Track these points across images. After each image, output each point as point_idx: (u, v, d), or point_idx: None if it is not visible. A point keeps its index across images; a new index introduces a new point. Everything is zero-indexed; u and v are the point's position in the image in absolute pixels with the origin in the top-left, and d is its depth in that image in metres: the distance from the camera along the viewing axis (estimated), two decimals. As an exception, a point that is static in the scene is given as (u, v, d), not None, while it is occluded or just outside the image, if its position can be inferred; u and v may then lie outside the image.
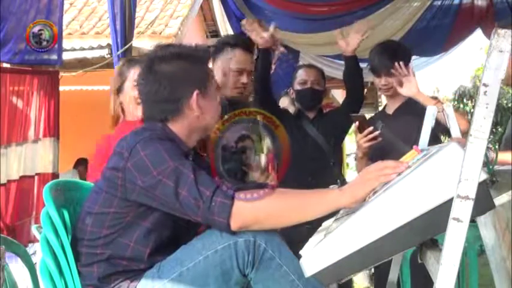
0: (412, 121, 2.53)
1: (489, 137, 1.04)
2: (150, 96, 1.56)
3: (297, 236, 1.66)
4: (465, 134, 1.91)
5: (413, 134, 2.56)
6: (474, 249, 1.99)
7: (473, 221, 1.25)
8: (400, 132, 2.57)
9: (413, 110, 2.40)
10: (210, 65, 1.67)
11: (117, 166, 1.45)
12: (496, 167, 1.44)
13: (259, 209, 1.36)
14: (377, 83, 2.67)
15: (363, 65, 2.97)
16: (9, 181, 3.66)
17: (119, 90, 2.22)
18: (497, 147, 1.49)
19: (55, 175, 3.85)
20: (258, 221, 1.36)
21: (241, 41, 2.55)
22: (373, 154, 2.72)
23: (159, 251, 1.47)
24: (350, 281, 3.31)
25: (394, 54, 2.62)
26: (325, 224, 1.59)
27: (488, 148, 1.12)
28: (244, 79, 2.44)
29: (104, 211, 1.47)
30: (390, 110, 2.73)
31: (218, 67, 2.46)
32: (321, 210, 1.35)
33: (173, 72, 1.55)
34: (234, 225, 1.34)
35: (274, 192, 1.41)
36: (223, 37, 3.32)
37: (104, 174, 1.50)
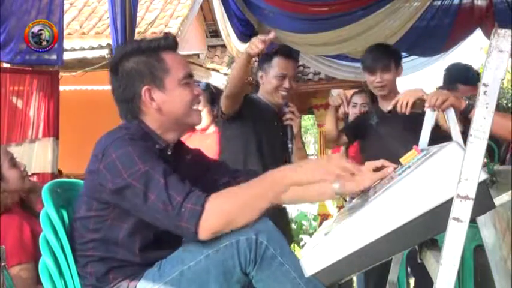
0: (410, 120, 2.56)
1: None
2: (115, 96, 1.58)
3: None
4: None
5: (411, 133, 2.59)
6: (469, 250, 1.99)
7: (473, 221, 1.26)
8: (398, 130, 2.61)
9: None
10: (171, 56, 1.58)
11: (92, 168, 1.44)
12: (496, 167, 1.45)
13: (229, 213, 1.35)
14: (371, 80, 2.66)
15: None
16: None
17: None
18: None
19: (54, 175, 3.85)
20: (229, 224, 1.35)
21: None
22: (368, 150, 2.75)
23: (150, 247, 1.46)
24: (350, 281, 3.31)
25: (389, 52, 2.67)
26: (325, 223, 1.59)
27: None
28: (286, 84, 2.55)
29: (86, 215, 1.47)
30: (386, 108, 2.72)
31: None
32: (279, 189, 1.38)
33: (126, 70, 1.54)
34: (203, 233, 1.33)
35: (237, 191, 1.40)
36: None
37: (84, 178, 1.50)
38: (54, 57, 3.89)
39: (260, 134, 2.56)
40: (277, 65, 2.55)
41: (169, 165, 1.53)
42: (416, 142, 2.59)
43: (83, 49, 6.05)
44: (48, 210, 1.49)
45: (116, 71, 1.55)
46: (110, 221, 1.45)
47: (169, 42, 1.58)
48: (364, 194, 1.62)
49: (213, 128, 3.30)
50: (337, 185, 1.65)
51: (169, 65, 1.54)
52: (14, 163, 2.28)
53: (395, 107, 2.60)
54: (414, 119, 2.55)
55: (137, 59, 1.54)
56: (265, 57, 2.62)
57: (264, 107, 2.61)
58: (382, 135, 2.66)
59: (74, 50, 6.11)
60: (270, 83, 2.56)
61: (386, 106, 2.71)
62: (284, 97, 2.56)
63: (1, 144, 3.53)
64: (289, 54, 2.62)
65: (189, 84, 1.57)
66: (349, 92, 3.99)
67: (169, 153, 1.55)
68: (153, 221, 1.38)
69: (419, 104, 2.20)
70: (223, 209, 1.35)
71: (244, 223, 1.36)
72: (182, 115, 1.55)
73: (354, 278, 3.20)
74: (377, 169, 1.62)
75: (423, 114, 2.32)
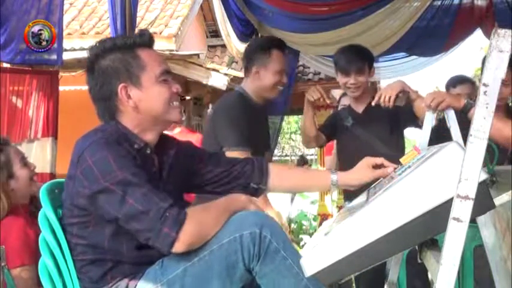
0: (384, 119, 2.61)
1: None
2: (92, 95, 1.56)
3: None
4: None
5: (386, 132, 2.63)
6: (469, 250, 1.99)
7: (473, 221, 1.25)
8: (373, 130, 2.63)
9: (382, 108, 2.42)
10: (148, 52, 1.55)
11: (70, 174, 1.44)
12: (496, 167, 1.45)
13: (204, 230, 1.37)
14: (344, 82, 2.65)
15: None
16: (9, 181, 3.65)
17: None
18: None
19: (53, 175, 3.85)
20: (203, 238, 1.37)
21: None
22: (346, 151, 2.77)
23: (138, 247, 1.44)
24: (350, 281, 3.32)
25: (362, 54, 2.67)
26: (325, 223, 1.59)
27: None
28: (284, 79, 2.51)
29: (70, 221, 1.46)
30: (359, 109, 2.75)
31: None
32: (228, 215, 1.42)
33: (102, 68, 1.51)
34: (180, 243, 1.33)
35: (208, 209, 1.43)
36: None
37: (65, 182, 1.49)
38: (54, 57, 3.88)
39: (255, 135, 2.47)
40: (277, 59, 2.46)
41: (151, 163, 1.53)
42: (392, 141, 2.65)
43: (83, 49, 6.04)
44: (46, 211, 1.49)
45: (92, 70, 1.53)
46: (92, 228, 1.44)
47: (144, 39, 1.56)
48: (364, 193, 1.62)
49: (178, 129, 3.25)
50: (335, 176, 1.66)
51: (145, 61, 1.52)
52: (25, 162, 2.29)
53: (369, 107, 2.65)
54: (388, 118, 2.59)
55: (113, 57, 1.51)
56: (261, 50, 2.49)
57: (256, 106, 2.53)
58: (357, 135, 2.68)
59: (74, 50, 6.12)
60: (270, 79, 2.45)
61: (359, 107, 2.75)
62: (280, 92, 2.54)
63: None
64: (284, 47, 2.56)
65: (167, 81, 1.55)
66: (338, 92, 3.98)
67: (149, 151, 1.53)
68: (127, 225, 1.37)
69: (401, 97, 2.22)
70: (201, 226, 1.37)
71: (210, 237, 1.38)
72: (161, 112, 1.53)
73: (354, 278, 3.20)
74: (377, 166, 1.62)
75: (402, 108, 2.36)
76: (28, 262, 2.04)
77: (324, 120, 2.98)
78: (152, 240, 1.34)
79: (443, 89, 3.15)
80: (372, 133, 2.64)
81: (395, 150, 2.58)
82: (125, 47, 1.52)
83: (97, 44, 1.55)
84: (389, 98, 2.20)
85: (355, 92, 2.66)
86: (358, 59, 2.62)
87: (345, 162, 2.72)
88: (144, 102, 1.51)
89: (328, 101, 2.51)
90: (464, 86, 3.19)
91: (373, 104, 2.33)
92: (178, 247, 1.33)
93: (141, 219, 1.34)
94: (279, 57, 2.46)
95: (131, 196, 1.34)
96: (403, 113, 2.49)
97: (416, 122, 2.42)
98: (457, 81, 3.27)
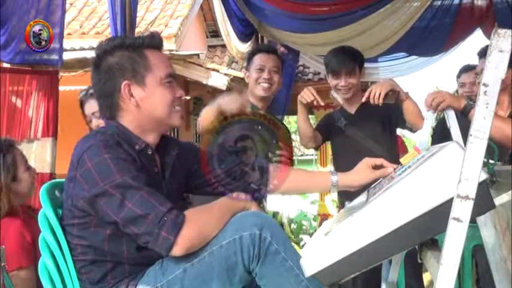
0: (376, 119, 2.65)
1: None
2: (95, 91, 1.57)
3: None
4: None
5: (378, 132, 2.65)
6: (468, 249, 2.00)
7: (473, 221, 1.26)
8: (365, 130, 2.67)
9: (374, 109, 2.40)
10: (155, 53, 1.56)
11: (70, 176, 1.44)
12: (496, 167, 1.44)
13: (204, 232, 1.38)
14: (335, 84, 2.67)
15: (369, 64, 2.96)
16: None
17: None
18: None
19: (53, 175, 3.84)
20: (203, 240, 1.38)
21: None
22: (340, 151, 2.78)
23: (139, 248, 1.44)
24: (350, 281, 3.32)
25: (353, 56, 2.68)
26: (325, 223, 1.59)
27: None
28: (265, 75, 2.59)
29: (70, 222, 1.47)
30: (352, 110, 2.76)
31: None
32: (229, 216, 1.43)
33: (109, 65, 1.52)
34: (179, 247, 1.33)
35: (207, 212, 1.43)
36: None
37: (65, 183, 1.50)
38: (54, 57, 3.87)
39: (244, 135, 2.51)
40: (257, 59, 2.63)
41: (153, 164, 1.54)
42: (384, 140, 2.66)
43: (83, 49, 6.06)
44: (46, 211, 1.49)
45: (99, 66, 1.54)
46: (93, 228, 1.44)
47: (154, 41, 1.57)
48: (364, 193, 1.62)
49: None
50: (336, 177, 1.67)
51: (152, 62, 1.53)
52: (27, 166, 2.30)
53: (361, 107, 2.66)
54: (380, 118, 2.60)
55: (120, 54, 1.52)
56: (249, 57, 2.70)
57: (252, 108, 2.57)
58: (351, 136, 2.70)
59: (74, 50, 6.12)
60: (252, 76, 2.61)
61: (351, 108, 2.76)
62: (266, 89, 2.58)
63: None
64: (268, 49, 2.69)
65: (171, 84, 1.55)
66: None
67: (150, 152, 1.53)
68: (126, 229, 1.37)
69: (391, 95, 2.24)
70: (200, 228, 1.37)
71: (209, 239, 1.39)
72: (162, 115, 1.53)
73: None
74: (376, 167, 1.63)
75: (392, 105, 2.37)
76: (25, 264, 2.04)
77: (318, 121, 2.99)
78: (151, 244, 1.35)
79: (443, 89, 3.19)
80: (365, 133, 2.66)
81: (388, 150, 2.61)
82: (134, 46, 1.53)
83: (106, 41, 1.56)
84: (379, 95, 2.22)
85: (346, 94, 2.69)
86: (348, 61, 2.63)
87: (340, 162, 2.75)
88: (146, 103, 1.52)
89: (321, 103, 2.51)
90: (468, 74, 3.22)
91: (363, 100, 2.37)
92: (177, 251, 1.34)
93: (139, 223, 1.34)
94: (259, 58, 2.63)
95: (130, 200, 1.35)
96: (394, 113, 2.52)
97: (405, 124, 2.45)
98: (461, 71, 3.33)
